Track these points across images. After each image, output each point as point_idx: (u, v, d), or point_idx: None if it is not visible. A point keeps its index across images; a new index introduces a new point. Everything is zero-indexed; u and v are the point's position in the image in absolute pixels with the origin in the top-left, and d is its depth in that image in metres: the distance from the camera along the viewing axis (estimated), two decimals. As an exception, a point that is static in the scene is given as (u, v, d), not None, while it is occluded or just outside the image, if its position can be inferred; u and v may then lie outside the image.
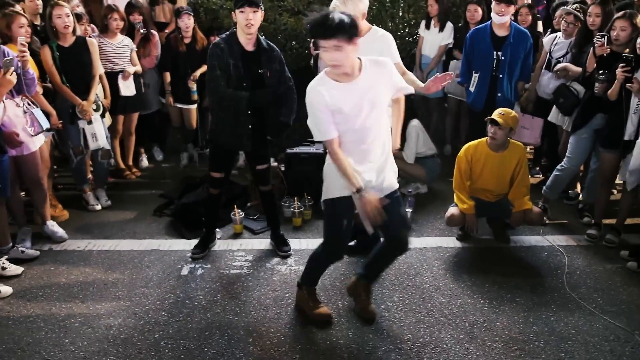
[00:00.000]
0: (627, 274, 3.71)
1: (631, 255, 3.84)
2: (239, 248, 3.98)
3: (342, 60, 2.50)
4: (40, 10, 4.66)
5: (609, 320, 3.19)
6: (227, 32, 3.49)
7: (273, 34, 6.05)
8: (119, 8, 4.92)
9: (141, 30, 5.06)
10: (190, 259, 3.83)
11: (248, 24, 3.30)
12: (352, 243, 3.90)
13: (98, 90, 4.50)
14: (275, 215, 4.02)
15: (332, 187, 2.81)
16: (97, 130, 4.37)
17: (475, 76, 4.48)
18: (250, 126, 3.52)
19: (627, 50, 3.77)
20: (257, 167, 3.82)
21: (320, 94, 2.60)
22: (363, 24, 3.48)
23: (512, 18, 5.09)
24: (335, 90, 2.60)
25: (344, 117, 2.62)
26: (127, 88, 4.96)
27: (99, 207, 4.66)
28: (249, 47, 3.44)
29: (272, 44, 3.57)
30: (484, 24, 4.58)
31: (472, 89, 4.60)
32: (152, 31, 5.40)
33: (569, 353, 2.92)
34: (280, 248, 3.92)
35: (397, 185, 2.95)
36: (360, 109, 2.62)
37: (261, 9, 3.36)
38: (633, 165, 3.62)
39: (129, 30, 5.08)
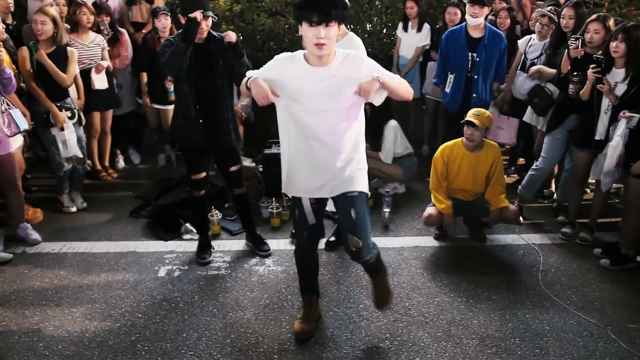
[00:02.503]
0: (600, 271, 3.78)
1: (604, 253, 3.91)
2: (217, 249, 3.96)
3: (329, 40, 2.43)
4: (12, 9, 4.58)
5: (582, 316, 3.25)
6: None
7: (251, 35, 6.04)
8: (87, 3, 4.84)
9: (105, 32, 4.99)
10: (167, 261, 3.79)
11: (200, 30, 3.30)
12: (332, 238, 3.94)
13: (72, 91, 4.44)
14: (250, 217, 3.97)
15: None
16: (69, 138, 4.29)
17: (450, 77, 4.53)
18: (200, 120, 3.46)
19: (600, 52, 3.84)
20: (229, 168, 3.75)
21: (285, 66, 2.62)
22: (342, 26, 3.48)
23: (493, 19, 5.17)
24: (302, 71, 2.55)
25: (299, 98, 2.58)
26: (100, 81, 4.89)
27: (74, 209, 4.59)
28: (200, 40, 3.39)
29: (221, 34, 3.50)
30: (459, 26, 4.64)
31: (447, 90, 4.65)
32: (121, 30, 5.32)
33: (543, 349, 2.96)
34: (259, 248, 3.91)
35: (355, 187, 2.67)
36: (316, 94, 2.55)
37: (212, 17, 3.40)
38: (607, 167, 3.68)
39: (97, 31, 5.01)
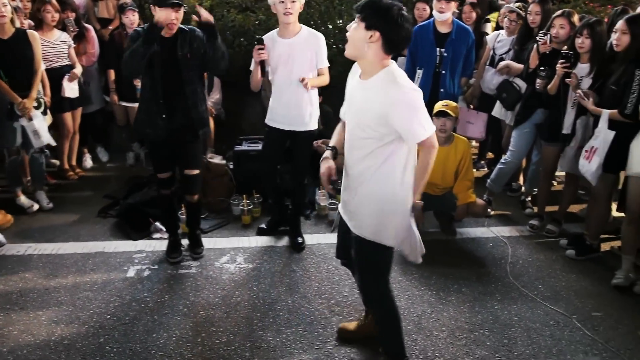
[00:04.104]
0: (566, 261, 3.86)
1: (570, 244, 4.00)
2: (187, 247, 3.91)
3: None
4: None
5: (549, 306, 3.31)
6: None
7: (221, 31, 5.97)
8: (52, 0, 4.73)
9: (71, 29, 4.88)
10: (136, 261, 3.74)
11: (172, 24, 3.25)
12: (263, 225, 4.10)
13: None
14: (196, 222, 3.88)
15: None
16: (39, 127, 4.17)
17: (419, 72, 4.55)
18: (164, 116, 3.38)
19: (566, 47, 3.91)
20: (184, 171, 3.62)
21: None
22: (295, 23, 3.59)
23: (457, 12, 5.20)
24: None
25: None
26: (71, 90, 4.81)
27: (36, 207, 4.48)
28: (167, 34, 3.32)
29: (192, 27, 3.44)
30: (427, 21, 4.66)
31: (416, 84, 4.66)
32: (87, 26, 5.22)
33: (512, 339, 3.01)
34: (193, 250, 3.83)
35: (360, 232, 2.47)
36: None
37: (184, 8, 3.29)
38: (597, 163, 3.61)
39: (62, 28, 4.91)
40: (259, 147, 4.71)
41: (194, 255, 3.81)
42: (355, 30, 2.25)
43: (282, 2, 3.47)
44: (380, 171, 2.34)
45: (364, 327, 2.93)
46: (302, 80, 3.56)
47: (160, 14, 3.17)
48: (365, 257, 2.50)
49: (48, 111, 4.45)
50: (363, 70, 2.35)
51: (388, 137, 2.27)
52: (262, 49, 3.52)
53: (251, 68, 3.67)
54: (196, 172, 3.64)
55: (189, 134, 3.50)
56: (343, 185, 2.54)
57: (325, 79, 3.73)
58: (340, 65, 3.66)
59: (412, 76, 4.72)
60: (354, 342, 2.93)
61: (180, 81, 3.38)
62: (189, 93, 3.42)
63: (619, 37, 3.47)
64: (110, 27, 5.47)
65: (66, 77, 4.74)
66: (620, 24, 3.47)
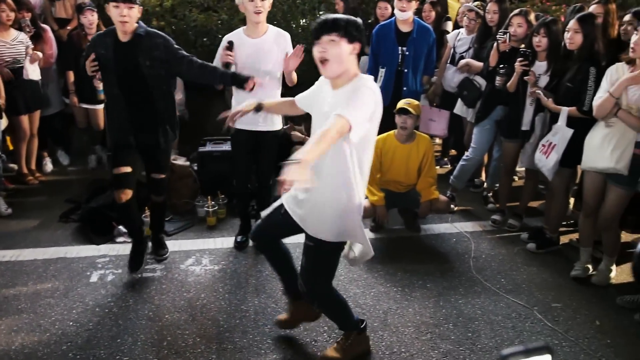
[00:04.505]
0: (527, 255, 3.96)
1: (530, 237, 4.10)
2: (151, 250, 3.86)
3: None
4: None
5: (511, 299, 3.40)
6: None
7: (183, 31, 5.92)
8: None
9: (27, 29, 4.76)
10: (99, 265, 3.68)
11: (122, 21, 3.10)
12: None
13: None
14: (161, 223, 3.86)
15: None
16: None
17: (381, 71, 4.60)
18: (130, 122, 3.32)
19: (523, 45, 4.01)
20: (151, 174, 3.58)
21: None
22: (264, 22, 3.58)
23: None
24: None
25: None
26: (34, 72, 4.71)
27: (-7, 213, 4.37)
28: (124, 37, 3.20)
29: (154, 31, 3.30)
30: (388, 20, 4.71)
31: (379, 83, 4.72)
32: (45, 27, 5.10)
33: (475, 332, 3.07)
34: (157, 252, 3.78)
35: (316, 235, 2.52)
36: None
37: (137, 4, 3.14)
38: (555, 158, 3.70)
39: (19, 28, 4.78)
40: (223, 147, 4.69)
41: (158, 257, 3.75)
42: (338, 47, 2.28)
43: (252, 0, 3.43)
44: (339, 172, 2.38)
45: (294, 315, 2.98)
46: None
47: (112, 12, 3.09)
48: (322, 258, 2.54)
49: (3, 114, 4.34)
50: (337, 83, 2.38)
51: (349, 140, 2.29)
52: (231, 51, 3.50)
53: (214, 62, 3.60)
54: (162, 176, 3.60)
55: (155, 138, 3.41)
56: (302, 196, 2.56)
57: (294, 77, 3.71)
58: (304, 65, 3.67)
59: (375, 75, 4.77)
60: (295, 330, 3.02)
61: (142, 88, 3.26)
62: (151, 100, 3.30)
63: (571, 36, 3.57)
64: (69, 28, 5.35)
65: (27, 58, 4.62)
66: (572, 23, 3.58)
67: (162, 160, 3.58)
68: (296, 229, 2.58)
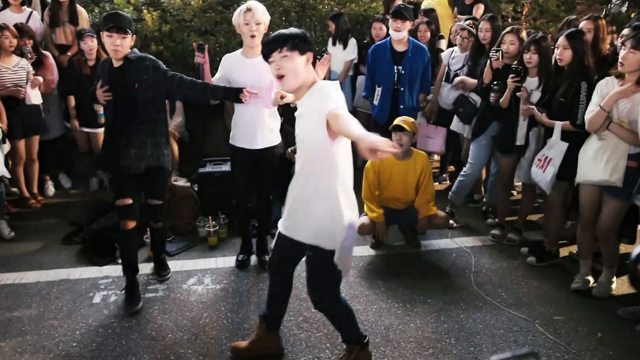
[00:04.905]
0: (528, 268, 3.98)
1: (530, 251, 4.13)
2: (153, 271, 3.89)
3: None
4: None
5: (512, 312, 3.41)
6: None
7: (181, 55, 6.01)
8: (10, 26, 4.70)
9: (29, 55, 4.85)
10: (102, 287, 3.70)
11: (115, 50, 3.20)
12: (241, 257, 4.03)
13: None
14: (161, 246, 3.91)
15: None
16: (-5, 158, 4.13)
17: (378, 90, 4.67)
18: (124, 147, 3.33)
19: (516, 62, 4.09)
20: (147, 200, 3.63)
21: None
22: (259, 44, 3.61)
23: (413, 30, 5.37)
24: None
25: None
26: (36, 96, 4.78)
27: (-4, 236, 4.40)
28: (117, 63, 3.30)
29: (143, 55, 3.36)
30: (383, 40, 4.80)
31: (376, 102, 4.79)
32: (46, 53, 5.18)
33: (477, 347, 3.09)
34: (159, 273, 3.83)
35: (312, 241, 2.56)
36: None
37: (131, 34, 3.24)
38: (551, 172, 3.75)
39: (20, 54, 4.86)
40: (223, 168, 4.74)
41: (159, 278, 3.78)
42: (292, 61, 2.38)
43: (247, 24, 3.50)
44: (322, 175, 2.45)
45: (258, 343, 2.96)
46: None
47: (105, 40, 3.20)
48: (321, 265, 2.56)
49: (7, 140, 4.40)
50: (298, 94, 2.49)
51: (327, 142, 2.36)
52: (202, 53, 3.59)
53: (214, 78, 3.69)
54: (159, 202, 3.64)
55: (150, 162, 3.41)
56: (288, 206, 2.63)
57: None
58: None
59: (371, 94, 4.85)
60: (297, 346, 3.02)
61: (134, 111, 3.31)
62: (144, 122, 3.34)
63: (561, 52, 3.65)
64: (69, 53, 5.43)
65: (28, 83, 4.70)
66: (561, 39, 3.66)
67: (158, 186, 3.61)
68: (301, 248, 2.61)
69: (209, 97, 3.49)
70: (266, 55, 2.42)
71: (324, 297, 2.67)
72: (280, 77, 2.41)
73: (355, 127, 2.13)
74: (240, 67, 3.63)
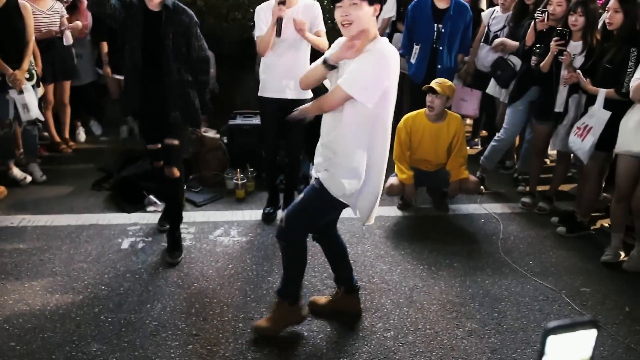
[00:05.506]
0: (557, 238, 3.91)
1: (561, 221, 4.05)
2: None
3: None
4: None
5: (538, 281, 3.37)
6: None
7: (215, 6, 5.91)
8: None
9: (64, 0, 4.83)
10: (130, 233, 3.75)
11: None
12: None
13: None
14: (177, 211, 3.61)
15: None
16: (29, 101, 4.16)
17: (416, 48, 4.54)
18: (139, 89, 3.29)
19: (560, 25, 3.91)
20: (165, 140, 3.40)
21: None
22: None
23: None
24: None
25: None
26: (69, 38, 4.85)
27: (29, 179, 4.48)
28: (153, 7, 3.18)
29: (181, 7, 3.27)
30: (425, -4, 4.63)
31: (413, 60, 4.66)
32: None
33: (502, 313, 3.06)
34: (170, 253, 3.48)
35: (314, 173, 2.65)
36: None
37: None
38: (591, 142, 3.63)
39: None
40: (253, 121, 4.71)
41: (169, 259, 3.46)
42: (360, 10, 2.28)
43: None
44: (354, 136, 2.44)
45: (335, 303, 2.98)
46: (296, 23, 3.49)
47: None
48: (319, 202, 2.56)
49: (40, 83, 4.43)
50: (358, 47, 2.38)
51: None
52: (284, 3, 3.44)
53: (256, 34, 3.62)
54: (175, 142, 3.40)
55: (172, 111, 3.33)
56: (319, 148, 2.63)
57: (322, 41, 3.65)
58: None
59: (409, 52, 4.72)
60: (322, 316, 2.97)
61: (160, 59, 3.24)
62: (168, 72, 3.25)
63: (611, 16, 3.47)
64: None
65: (66, 27, 4.73)
66: (612, 2, 3.47)
67: (175, 124, 3.39)
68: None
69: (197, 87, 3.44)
70: (337, 0, 2.33)
71: (295, 227, 2.63)
72: (345, 24, 2.32)
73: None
74: (272, 16, 3.52)
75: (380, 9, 2.37)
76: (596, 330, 0.95)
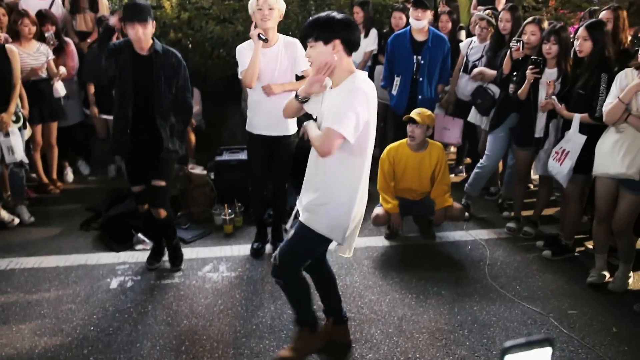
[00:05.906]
0: (543, 262, 3.96)
1: (546, 245, 4.10)
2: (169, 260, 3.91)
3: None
4: None
5: (526, 305, 3.40)
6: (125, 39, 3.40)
7: (199, 42, 6.03)
8: (30, 13, 4.75)
9: (51, 42, 4.90)
10: (119, 272, 3.75)
11: (140, 39, 3.25)
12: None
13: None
14: (169, 245, 3.83)
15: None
16: (15, 144, 4.20)
17: (397, 79, 4.65)
18: (128, 130, 3.39)
19: (534, 53, 4.03)
20: (151, 182, 3.52)
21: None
22: (274, 31, 3.63)
23: (432, 20, 5.32)
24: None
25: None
26: (62, 88, 4.89)
27: (17, 221, 4.47)
28: (143, 52, 3.34)
29: (170, 50, 3.43)
30: (403, 29, 4.76)
31: (394, 92, 4.76)
32: (67, 40, 5.24)
33: (490, 339, 3.08)
34: (172, 262, 3.83)
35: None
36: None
37: (151, 21, 3.27)
38: (568, 165, 3.72)
39: (41, 40, 4.91)
40: (240, 156, 4.77)
41: (174, 268, 3.81)
42: (316, 51, 2.44)
43: (260, 9, 3.48)
44: (347, 179, 2.54)
45: (325, 334, 3.02)
46: (265, 87, 3.60)
47: (128, 31, 3.24)
48: (308, 239, 2.63)
49: (27, 124, 4.46)
50: (334, 81, 2.53)
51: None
52: (266, 41, 3.53)
53: (240, 69, 3.64)
54: (162, 183, 3.52)
55: (157, 147, 3.45)
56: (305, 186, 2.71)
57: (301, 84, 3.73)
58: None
59: (390, 84, 4.83)
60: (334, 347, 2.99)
61: (151, 102, 3.37)
62: (158, 114, 3.39)
63: (581, 44, 3.59)
64: (89, 40, 5.49)
65: (55, 78, 4.81)
66: (581, 30, 3.60)
67: (162, 166, 3.53)
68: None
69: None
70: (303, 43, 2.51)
71: (288, 265, 2.69)
72: (310, 63, 2.52)
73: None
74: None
75: (348, 44, 2.44)
76: (551, 348, 0.99)
